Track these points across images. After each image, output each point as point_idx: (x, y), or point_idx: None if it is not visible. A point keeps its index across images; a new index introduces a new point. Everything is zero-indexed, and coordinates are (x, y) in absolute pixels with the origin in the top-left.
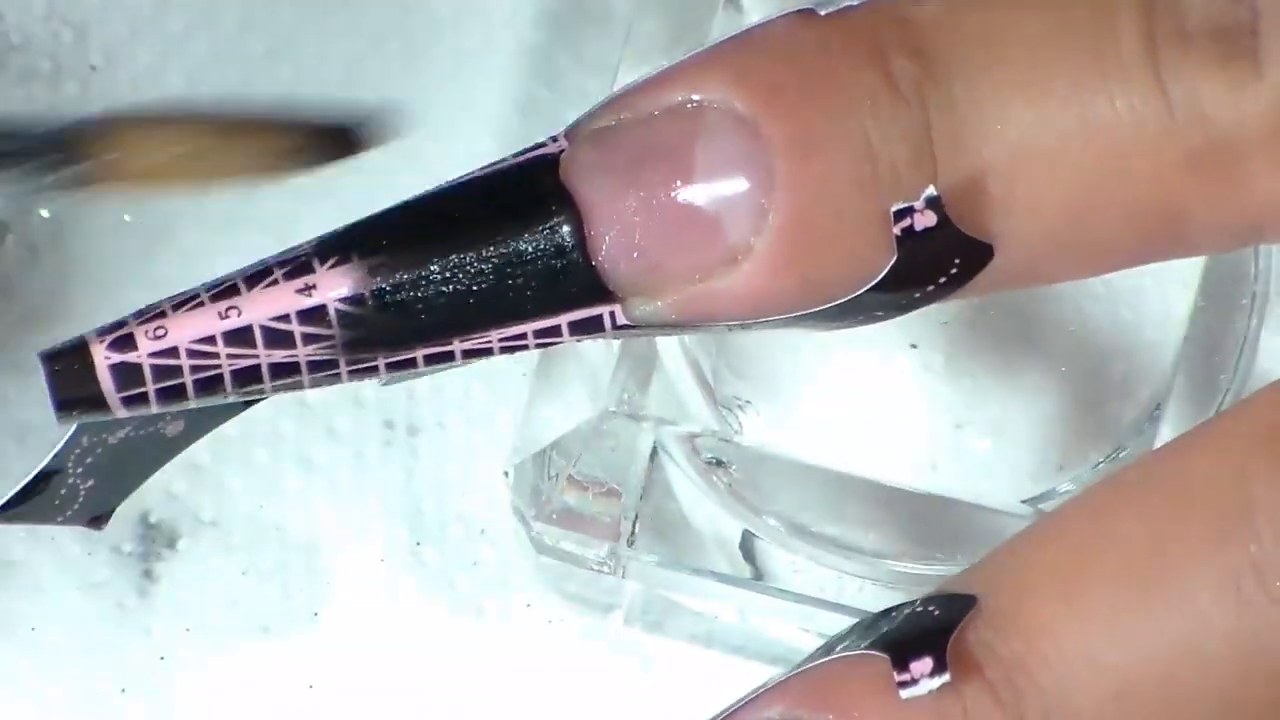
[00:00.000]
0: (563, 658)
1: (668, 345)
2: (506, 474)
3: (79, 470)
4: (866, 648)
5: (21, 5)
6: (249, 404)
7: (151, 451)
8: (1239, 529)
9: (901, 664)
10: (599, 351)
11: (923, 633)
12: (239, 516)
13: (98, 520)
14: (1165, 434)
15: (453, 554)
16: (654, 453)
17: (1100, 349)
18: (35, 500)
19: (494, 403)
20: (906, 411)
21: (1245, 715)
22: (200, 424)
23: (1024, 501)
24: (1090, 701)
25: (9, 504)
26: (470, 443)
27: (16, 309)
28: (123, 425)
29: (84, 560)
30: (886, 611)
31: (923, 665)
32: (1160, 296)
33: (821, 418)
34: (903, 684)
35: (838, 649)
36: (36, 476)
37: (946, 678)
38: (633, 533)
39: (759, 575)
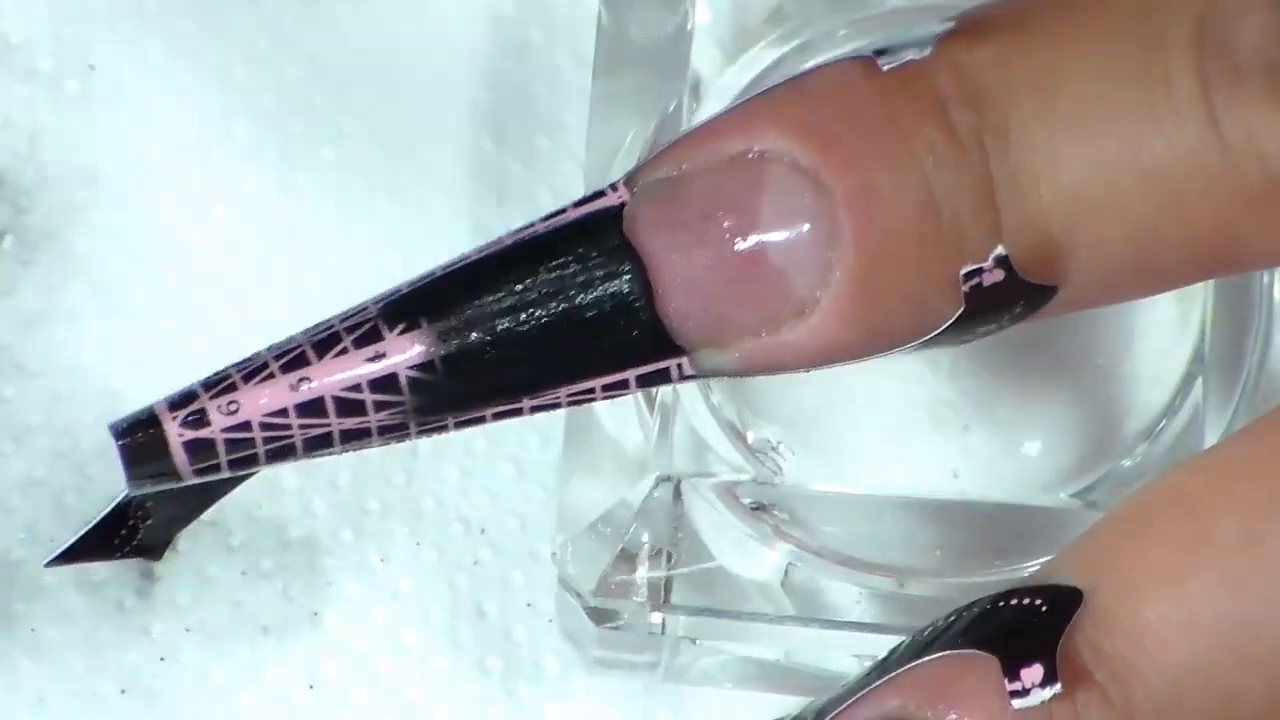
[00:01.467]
0: (564, 658)
1: (692, 399)
2: (554, 555)
3: (139, 513)
4: (977, 646)
5: (22, 4)
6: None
7: (209, 487)
8: None
9: (1012, 671)
10: (625, 420)
11: (1032, 633)
12: (239, 517)
13: (153, 553)
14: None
15: (453, 554)
16: (680, 505)
17: (1111, 349)
18: (94, 545)
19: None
20: (924, 420)
21: None
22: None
23: (1072, 495)
24: (1200, 704)
25: (70, 551)
26: (470, 443)
27: (16, 309)
28: None
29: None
30: (994, 600)
31: (1033, 673)
32: (1172, 296)
33: (849, 441)
34: (1014, 694)
35: (939, 640)
36: (97, 525)
37: (1059, 688)
38: (668, 588)
39: (805, 611)
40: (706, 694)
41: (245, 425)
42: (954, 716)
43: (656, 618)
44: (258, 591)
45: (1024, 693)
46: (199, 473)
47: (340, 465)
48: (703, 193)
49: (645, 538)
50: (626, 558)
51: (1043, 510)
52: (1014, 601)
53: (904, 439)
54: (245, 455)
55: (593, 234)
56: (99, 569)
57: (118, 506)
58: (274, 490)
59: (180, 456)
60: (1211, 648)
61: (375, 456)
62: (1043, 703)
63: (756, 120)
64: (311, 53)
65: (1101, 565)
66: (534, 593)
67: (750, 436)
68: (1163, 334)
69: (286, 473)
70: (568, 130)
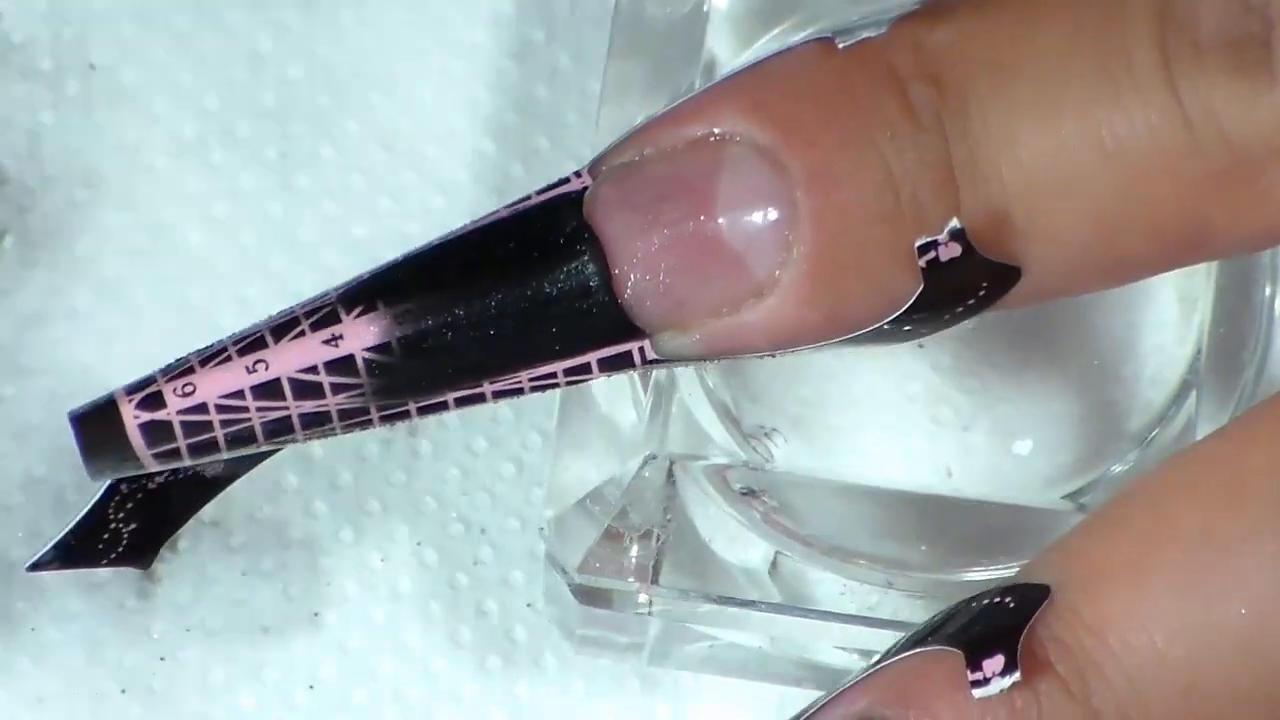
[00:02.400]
0: (564, 658)
1: (688, 382)
2: (542, 529)
3: (120, 515)
4: (944, 642)
5: (23, 4)
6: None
7: (193, 492)
8: None
9: (974, 662)
10: (618, 398)
11: (996, 627)
12: (239, 517)
13: (145, 560)
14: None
15: (453, 554)
16: (671, 487)
17: (1111, 346)
18: (76, 549)
19: (494, 403)
20: (921, 415)
21: None
22: (240, 463)
23: (1063, 498)
24: (1160, 695)
25: (51, 555)
26: (470, 443)
27: (16, 309)
28: (161, 470)
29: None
30: (968, 601)
31: (994, 663)
32: (1170, 293)
33: (844, 433)
34: (975, 683)
35: (917, 642)
36: (75, 527)
37: (1017, 676)
38: (657, 570)
39: (791, 599)
40: (706, 692)
41: (202, 407)
42: (915, 715)
43: (644, 597)
44: (258, 591)
45: (985, 682)
46: (159, 458)
47: (341, 466)
48: (660, 175)
49: (634, 517)
50: (614, 536)
51: (1033, 511)
52: (985, 601)
53: (901, 434)
54: (204, 440)
55: (553, 217)
56: (100, 570)
57: (96, 504)
58: (275, 491)
59: (137, 439)
60: (1171, 640)
61: (375, 457)
62: (1002, 691)
63: (716, 103)
64: (311, 53)
65: (1069, 562)
66: (534, 593)
67: (744, 421)
68: (1164, 334)
69: (288, 473)
70: (568, 130)
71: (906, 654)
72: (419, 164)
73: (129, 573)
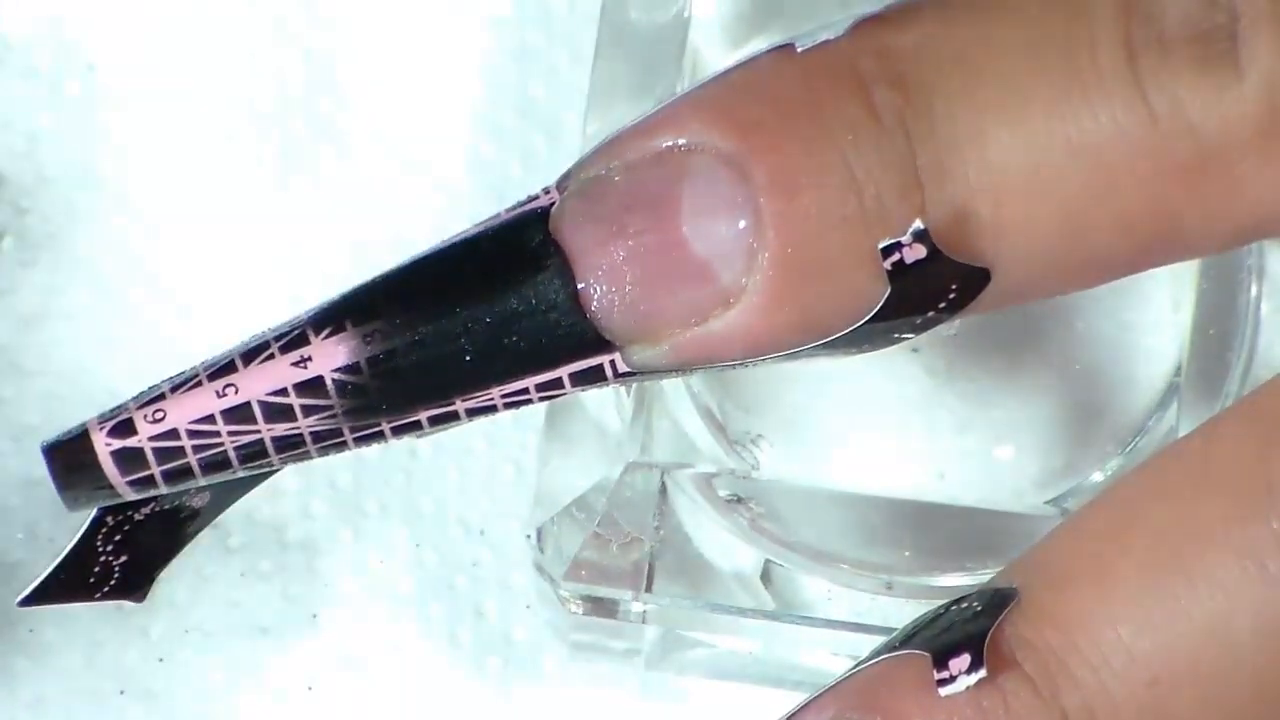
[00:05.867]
0: (562, 660)
1: (675, 389)
2: (529, 537)
3: (108, 548)
4: (913, 648)
5: (21, 4)
6: (272, 472)
7: (182, 522)
8: (1261, 507)
9: (941, 663)
10: (606, 404)
11: (964, 630)
12: (238, 518)
13: (138, 593)
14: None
15: (452, 555)
16: (663, 496)
17: (1100, 349)
18: (66, 584)
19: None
20: (912, 420)
21: (1274, 694)
22: (226, 493)
23: (1046, 503)
24: (1126, 690)
25: (37, 592)
26: (469, 444)
27: (15, 309)
28: (145, 502)
29: None
30: (939, 609)
31: (960, 662)
32: (1160, 297)
33: (834, 439)
34: (942, 682)
35: (888, 649)
36: (63, 562)
37: (983, 673)
38: (650, 578)
39: (783, 606)
40: (705, 693)
41: (173, 433)
42: (883, 718)
43: (638, 605)
44: (257, 592)
45: (951, 680)
46: (134, 485)
47: (340, 467)
48: (625, 187)
49: (621, 524)
50: (601, 543)
51: (1019, 516)
52: (954, 606)
53: (895, 438)
54: (177, 466)
55: (519, 233)
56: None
57: (82, 537)
58: (273, 492)
59: (110, 467)
60: (1136, 634)
61: (374, 457)
62: (968, 688)
63: (681, 115)
64: (311, 53)
65: (1036, 565)
66: (533, 595)
67: (730, 428)
68: (1154, 337)
69: (287, 474)
70: (567, 130)
71: (877, 659)
72: (418, 164)
73: None
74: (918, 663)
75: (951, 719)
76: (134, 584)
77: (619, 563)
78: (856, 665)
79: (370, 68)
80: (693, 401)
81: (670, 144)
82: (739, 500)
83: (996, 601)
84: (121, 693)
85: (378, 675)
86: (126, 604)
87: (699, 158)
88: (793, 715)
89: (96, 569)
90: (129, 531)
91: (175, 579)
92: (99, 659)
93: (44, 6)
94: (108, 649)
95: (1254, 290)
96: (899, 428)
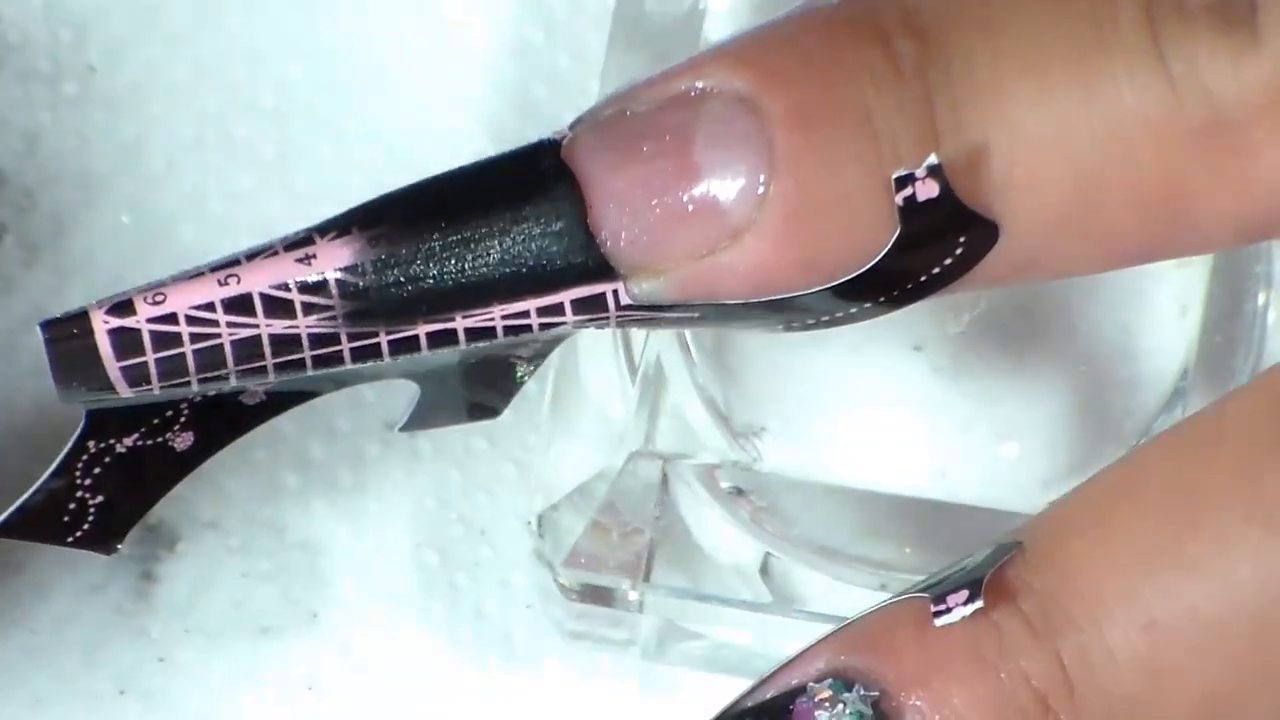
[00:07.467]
0: (563, 659)
1: (679, 379)
2: (530, 523)
3: (86, 482)
4: (913, 593)
5: (21, 5)
6: (259, 419)
7: (162, 467)
8: (1269, 463)
9: (939, 600)
10: (611, 392)
11: (965, 573)
12: (238, 517)
13: (109, 543)
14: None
15: (453, 554)
16: (664, 487)
17: (1107, 350)
18: (41, 515)
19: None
20: (916, 418)
21: (1274, 644)
22: (210, 438)
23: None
24: (1121, 633)
25: (12, 518)
26: (469, 443)
27: (16, 309)
28: (129, 430)
29: (83, 562)
30: (939, 572)
31: (958, 597)
32: (1167, 301)
33: (838, 435)
34: (937, 614)
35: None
36: (40, 486)
37: (980, 604)
38: (649, 567)
39: (782, 599)
40: (704, 692)
41: (171, 317)
42: (879, 660)
43: (634, 594)
44: (257, 592)
45: (946, 612)
46: (128, 374)
47: (341, 466)
48: (641, 120)
49: (622, 513)
50: (601, 531)
51: (1021, 516)
52: (958, 562)
53: (898, 435)
54: (173, 356)
55: (532, 159)
56: (98, 568)
57: (63, 459)
58: (274, 492)
59: (105, 347)
60: (1136, 581)
61: (375, 457)
62: (963, 619)
63: (700, 61)
64: (311, 53)
65: (1045, 517)
66: (533, 594)
67: (734, 419)
68: (1159, 338)
69: (287, 474)
70: None
71: (876, 606)
72: (418, 164)
73: (128, 574)
74: (916, 604)
75: (945, 654)
76: (107, 533)
77: (619, 551)
78: (855, 615)
79: (370, 68)
80: (698, 393)
81: (688, 86)
82: (740, 492)
83: (1000, 552)
84: (121, 693)
85: (378, 675)
86: (125, 603)
87: (716, 98)
88: (792, 661)
89: (72, 505)
90: (108, 464)
91: (175, 579)
92: (99, 659)
93: (42, 7)
94: (107, 649)
95: (1262, 297)
96: (902, 424)
